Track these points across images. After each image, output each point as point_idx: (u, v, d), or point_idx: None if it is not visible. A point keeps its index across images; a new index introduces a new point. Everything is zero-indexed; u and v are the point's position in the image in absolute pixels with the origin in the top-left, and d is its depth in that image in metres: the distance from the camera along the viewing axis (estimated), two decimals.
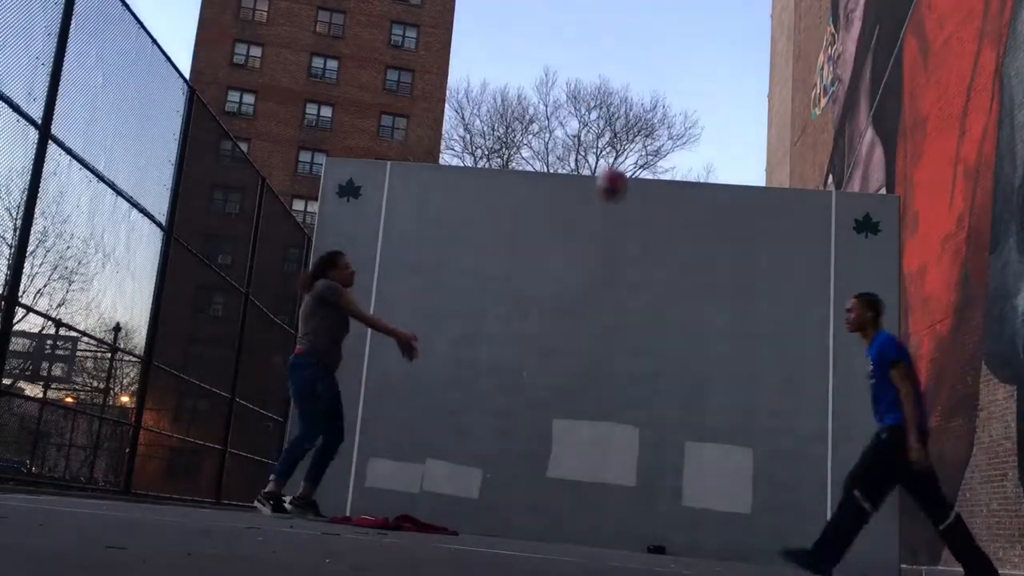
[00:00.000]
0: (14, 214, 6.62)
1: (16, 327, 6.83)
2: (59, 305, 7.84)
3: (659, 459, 8.09)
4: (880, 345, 5.72)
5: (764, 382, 8.20)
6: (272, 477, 6.25)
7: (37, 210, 6.54)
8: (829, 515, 7.90)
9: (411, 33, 43.99)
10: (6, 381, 7.75)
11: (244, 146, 29.84)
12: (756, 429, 8.11)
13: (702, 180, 38.89)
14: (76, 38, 6.82)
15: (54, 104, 6.59)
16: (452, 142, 42.61)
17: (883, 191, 16.41)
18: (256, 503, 6.26)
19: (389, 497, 7.83)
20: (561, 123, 72.81)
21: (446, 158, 41.47)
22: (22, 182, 6.47)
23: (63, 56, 6.66)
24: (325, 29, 43.48)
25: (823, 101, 21.28)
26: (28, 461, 13.21)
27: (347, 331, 6.54)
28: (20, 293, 6.59)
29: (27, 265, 6.60)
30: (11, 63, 6.25)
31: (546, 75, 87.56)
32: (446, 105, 42.87)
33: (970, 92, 13.65)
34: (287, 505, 6.18)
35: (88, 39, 7.12)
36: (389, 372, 8.32)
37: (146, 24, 7.87)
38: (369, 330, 8.52)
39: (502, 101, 42.35)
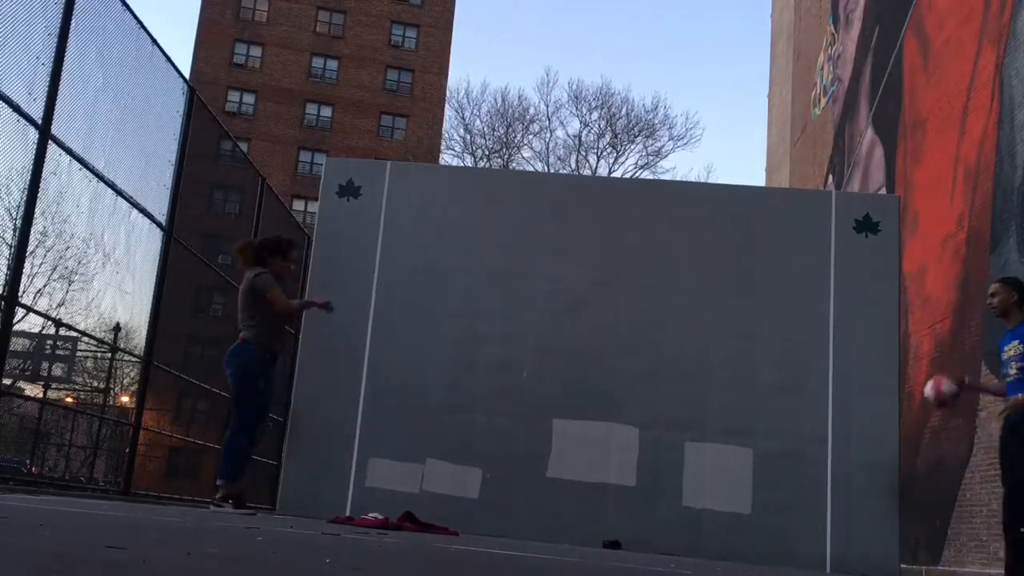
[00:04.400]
0: (14, 214, 6.62)
1: (16, 327, 6.83)
2: (59, 305, 7.84)
3: (659, 459, 8.09)
4: None
5: (764, 382, 8.20)
6: (220, 482, 6.24)
7: (37, 210, 6.54)
8: (829, 515, 7.91)
9: (411, 33, 44.01)
10: (6, 381, 7.74)
11: (244, 146, 29.82)
12: (756, 429, 8.11)
13: (702, 180, 38.88)
14: (76, 38, 6.82)
15: (54, 104, 6.58)
16: (452, 142, 42.59)
17: (883, 191, 16.41)
18: (212, 508, 6.23)
19: (389, 497, 7.83)
20: (562, 123, 72.80)
21: (446, 158, 41.46)
22: (22, 182, 6.47)
23: (63, 56, 6.66)
24: (325, 29, 43.50)
25: (823, 101, 21.28)
26: (28, 461, 13.21)
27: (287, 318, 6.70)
28: (20, 293, 6.59)
29: (27, 265, 6.60)
30: (11, 63, 6.25)
31: (547, 75, 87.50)
32: (446, 105, 42.88)
33: (970, 92, 13.65)
34: (211, 507, 6.20)
35: (88, 39, 7.11)
36: (389, 372, 8.32)
37: (146, 24, 7.87)
38: (370, 329, 8.52)
39: (502, 101, 42.32)
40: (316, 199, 9.29)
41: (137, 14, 7.70)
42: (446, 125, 42.84)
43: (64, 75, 6.67)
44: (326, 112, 42.48)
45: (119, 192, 7.79)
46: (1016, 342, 5.76)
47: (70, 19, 6.75)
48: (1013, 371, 5.80)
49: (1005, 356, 5.89)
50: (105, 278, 8.03)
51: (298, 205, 36.34)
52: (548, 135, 52.44)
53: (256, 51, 42.69)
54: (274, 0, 43.20)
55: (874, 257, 8.33)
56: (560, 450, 8.14)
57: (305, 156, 41.59)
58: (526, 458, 8.11)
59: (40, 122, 6.48)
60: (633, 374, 8.25)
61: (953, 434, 13.16)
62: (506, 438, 8.17)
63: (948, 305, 13.81)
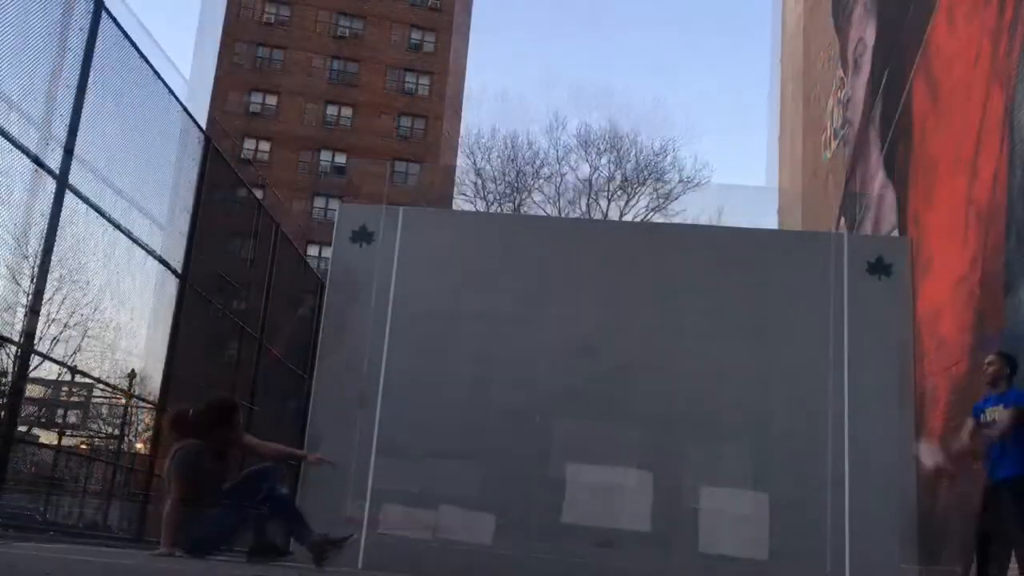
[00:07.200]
0: (32, 263, 6.69)
1: (32, 374, 6.87)
2: (74, 352, 7.89)
3: (674, 504, 8.02)
4: (1019, 397, 6.41)
5: (779, 426, 8.14)
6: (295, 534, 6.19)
7: (54, 259, 6.61)
8: (848, 562, 7.80)
9: (424, 80, 44.53)
10: (21, 428, 7.77)
11: (259, 193, 30.09)
12: (771, 474, 8.04)
13: (713, 222, 38.87)
14: (94, 91, 6.94)
15: (71, 155, 6.68)
16: (464, 187, 42.84)
17: (895, 233, 16.40)
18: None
19: (401, 544, 7.79)
20: (571, 167, 73.04)
21: (459, 203, 41.68)
22: (39, 230, 6.55)
23: (81, 107, 6.77)
24: (339, 77, 44.07)
25: (833, 144, 21.37)
26: (42, 508, 13.20)
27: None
28: (36, 341, 6.63)
29: (43, 312, 6.65)
30: (31, 113, 6.36)
31: (555, 120, 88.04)
32: (458, 151, 43.24)
33: (980, 134, 13.68)
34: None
35: (106, 91, 7.24)
36: (402, 418, 8.31)
37: (161, 66, 8.00)
38: (383, 374, 8.51)
39: (512, 147, 42.54)
40: (330, 244, 9.35)
41: (154, 65, 7.85)
42: (458, 170, 43.15)
43: (81, 126, 6.78)
44: (340, 159, 42.90)
45: (135, 240, 7.87)
46: (1000, 406, 6.42)
47: (88, 70, 6.87)
48: (996, 433, 6.40)
49: (986, 418, 6.55)
50: (120, 325, 8.08)
51: (312, 251, 36.56)
52: (559, 179, 52.67)
53: (271, 99, 43.26)
54: (289, 50, 43.86)
55: (887, 299, 8.30)
56: (573, 495, 8.09)
57: (319, 202, 41.93)
58: (540, 503, 8.06)
59: (58, 172, 6.58)
60: (647, 418, 8.21)
61: (977, 476, 12.99)
62: (519, 483, 8.12)
63: (963, 347, 13.71)
